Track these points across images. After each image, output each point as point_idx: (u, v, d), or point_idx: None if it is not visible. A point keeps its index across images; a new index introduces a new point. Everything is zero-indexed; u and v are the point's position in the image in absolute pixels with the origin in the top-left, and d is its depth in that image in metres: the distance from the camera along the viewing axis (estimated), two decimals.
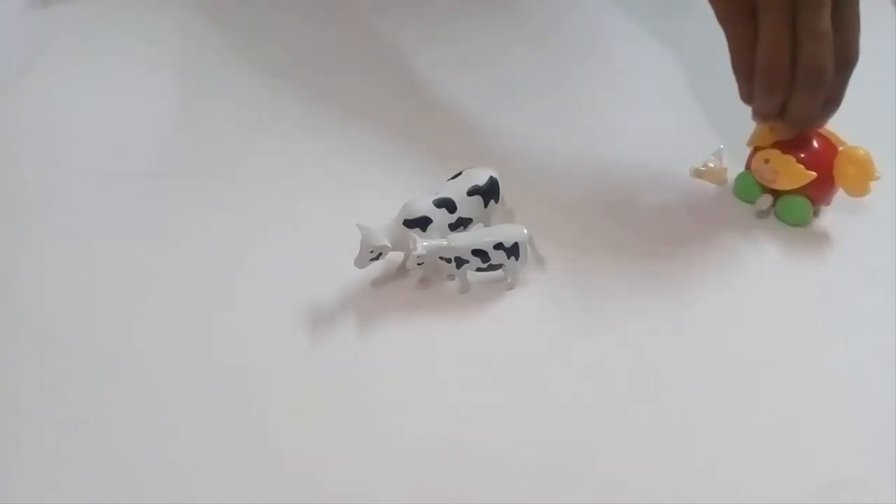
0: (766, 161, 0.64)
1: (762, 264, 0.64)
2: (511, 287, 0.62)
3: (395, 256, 0.62)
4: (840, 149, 0.63)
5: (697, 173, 0.70)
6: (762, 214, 0.66)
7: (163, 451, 0.54)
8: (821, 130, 0.63)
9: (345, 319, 0.60)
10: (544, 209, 0.67)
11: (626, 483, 0.52)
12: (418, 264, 0.59)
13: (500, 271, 0.61)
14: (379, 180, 0.70)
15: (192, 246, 0.66)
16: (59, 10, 0.89)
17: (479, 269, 0.61)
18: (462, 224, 0.62)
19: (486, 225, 0.64)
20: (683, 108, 0.76)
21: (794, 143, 0.63)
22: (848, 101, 0.75)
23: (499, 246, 0.60)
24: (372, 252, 0.59)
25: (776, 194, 0.65)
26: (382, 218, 0.60)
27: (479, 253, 0.60)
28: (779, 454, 0.53)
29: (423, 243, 0.58)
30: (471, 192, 0.62)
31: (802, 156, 0.63)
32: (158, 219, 0.68)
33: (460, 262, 0.60)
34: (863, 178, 0.62)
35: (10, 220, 0.69)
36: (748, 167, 0.66)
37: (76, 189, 0.71)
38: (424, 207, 0.61)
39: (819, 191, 0.63)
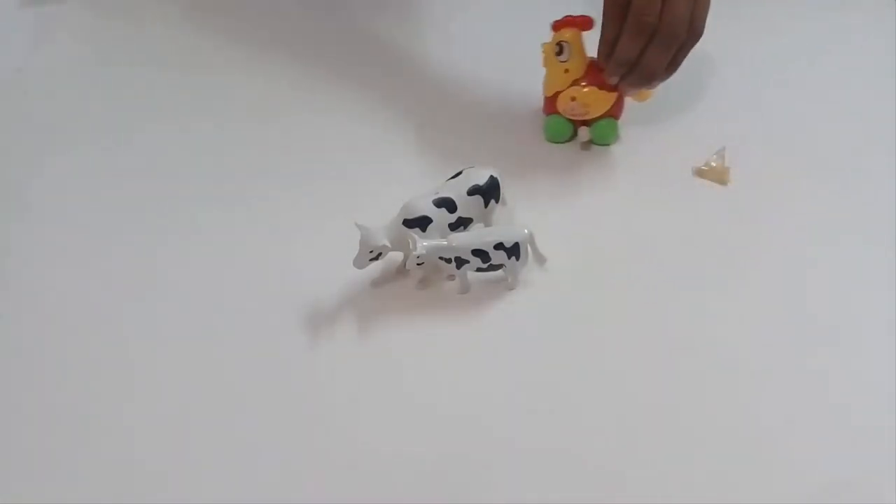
0: (573, 99, 0.69)
1: (766, 267, 0.64)
2: (511, 287, 0.62)
3: (395, 256, 0.62)
4: None
5: (700, 172, 0.70)
6: (586, 146, 0.73)
7: (162, 450, 0.54)
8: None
9: (345, 319, 0.60)
10: (545, 209, 0.67)
11: (627, 482, 0.52)
12: (418, 264, 0.59)
13: (500, 271, 0.61)
14: (379, 180, 0.70)
15: (191, 246, 0.66)
16: (54, 8, 0.89)
17: (479, 270, 0.61)
18: (462, 224, 0.62)
19: (487, 225, 0.64)
20: (685, 107, 0.76)
21: (589, 78, 0.69)
22: (849, 99, 0.75)
23: (499, 246, 0.60)
24: (371, 252, 0.59)
25: (587, 124, 0.72)
26: (382, 218, 0.60)
27: (480, 253, 0.60)
28: (779, 454, 0.53)
29: (423, 243, 0.58)
30: (471, 192, 0.62)
31: (599, 84, 0.69)
32: (157, 218, 0.68)
33: (460, 262, 0.60)
34: None
35: (6, 218, 0.69)
36: (551, 112, 0.72)
37: (73, 187, 0.71)
38: (424, 207, 0.61)
39: (617, 107, 0.71)
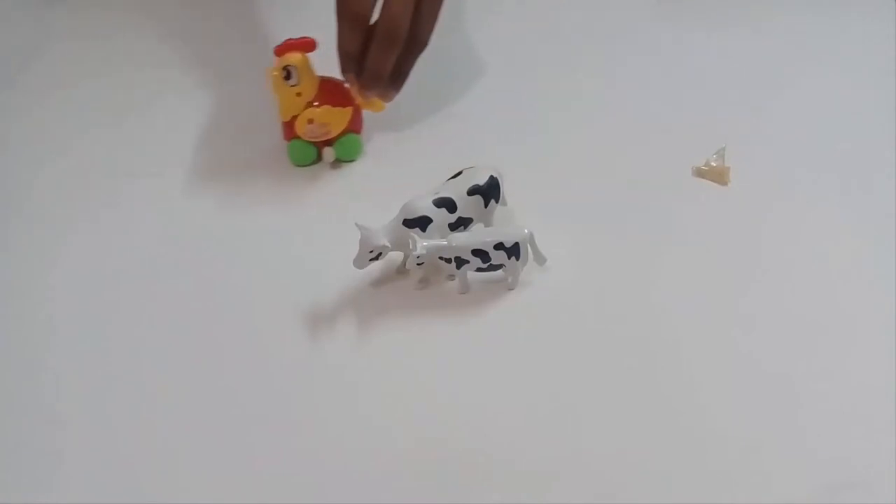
0: (310, 121, 0.68)
1: (766, 267, 0.64)
2: (512, 287, 0.62)
3: (395, 256, 0.62)
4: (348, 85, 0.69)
5: (699, 172, 0.70)
6: (335, 165, 0.72)
7: (161, 450, 0.54)
8: (332, 78, 0.69)
9: (345, 319, 0.60)
10: (545, 209, 0.67)
11: (627, 482, 0.52)
12: (418, 264, 0.59)
13: (500, 271, 0.61)
14: (379, 180, 0.70)
15: (190, 245, 0.66)
16: (57, 8, 0.89)
17: (479, 270, 0.60)
18: (462, 224, 0.62)
19: (487, 225, 0.64)
20: (685, 107, 0.76)
21: (323, 97, 0.68)
22: (849, 98, 0.75)
23: (499, 246, 0.60)
24: (371, 252, 0.59)
25: (329, 144, 0.71)
26: (382, 218, 0.60)
27: (480, 253, 0.60)
28: (779, 454, 0.53)
29: (423, 243, 0.58)
30: (471, 192, 0.62)
31: (333, 102, 0.69)
32: (158, 218, 0.68)
33: (460, 262, 0.60)
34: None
35: (6, 218, 0.69)
36: (292, 137, 0.70)
37: (73, 187, 0.71)
38: (424, 207, 0.61)
39: (356, 121, 0.71)
